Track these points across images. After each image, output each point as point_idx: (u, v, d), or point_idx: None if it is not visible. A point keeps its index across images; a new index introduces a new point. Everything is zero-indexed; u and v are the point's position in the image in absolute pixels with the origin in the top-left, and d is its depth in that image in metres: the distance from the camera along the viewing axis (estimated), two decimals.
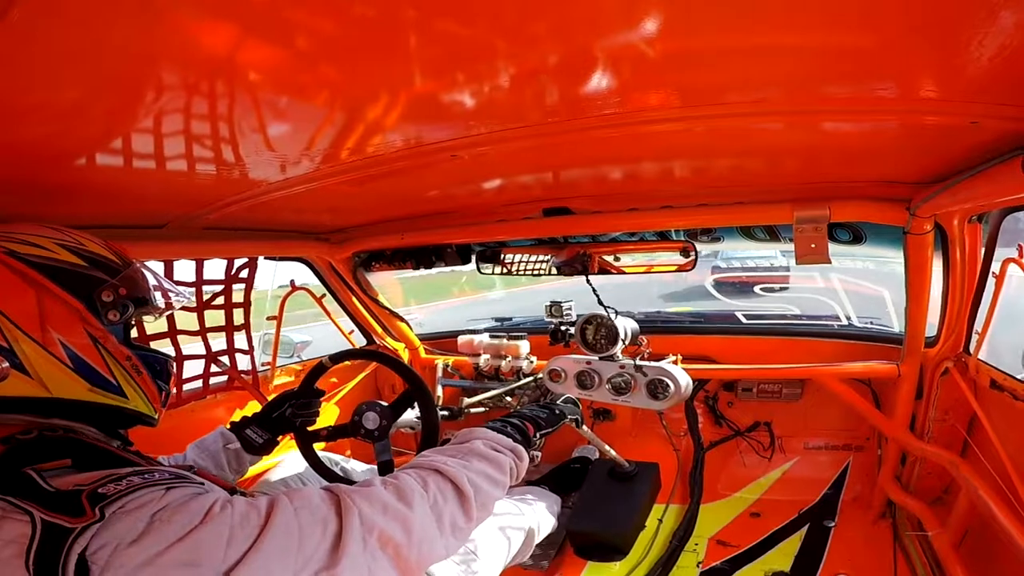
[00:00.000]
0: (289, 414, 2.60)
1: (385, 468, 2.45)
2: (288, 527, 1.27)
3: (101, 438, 1.55)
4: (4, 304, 1.41)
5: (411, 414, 2.57)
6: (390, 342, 4.64)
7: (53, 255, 1.53)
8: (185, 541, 1.13)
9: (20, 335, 1.41)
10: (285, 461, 2.93)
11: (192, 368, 3.29)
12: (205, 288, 3.26)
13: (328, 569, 1.27)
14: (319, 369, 2.65)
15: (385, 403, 2.52)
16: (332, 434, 2.64)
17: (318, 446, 2.72)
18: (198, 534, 1.15)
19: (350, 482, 2.48)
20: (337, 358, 2.61)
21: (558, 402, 2.43)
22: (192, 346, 3.24)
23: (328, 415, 3.90)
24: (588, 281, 3.45)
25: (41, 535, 1.08)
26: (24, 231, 1.55)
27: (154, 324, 2.43)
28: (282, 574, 1.22)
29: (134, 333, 1.89)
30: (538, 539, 2.97)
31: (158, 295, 1.83)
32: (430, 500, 1.53)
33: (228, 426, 2.54)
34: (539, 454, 2.16)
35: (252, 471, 3.08)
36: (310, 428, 2.68)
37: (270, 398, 2.69)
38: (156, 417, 1.75)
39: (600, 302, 3.36)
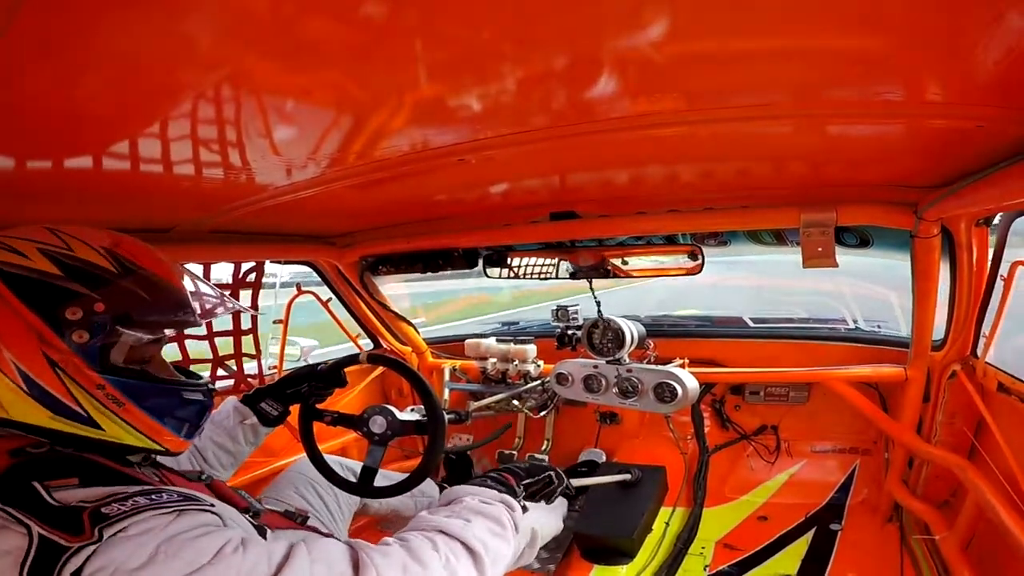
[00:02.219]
0: (305, 391, 2.54)
1: (367, 473, 2.44)
2: None
3: (109, 462, 1.48)
4: None
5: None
6: (397, 346, 4.64)
7: (25, 263, 1.42)
8: None
9: None
10: (296, 463, 2.90)
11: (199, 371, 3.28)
12: None
13: None
14: (351, 360, 2.58)
15: (399, 413, 2.50)
16: (337, 420, 2.58)
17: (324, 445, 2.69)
18: (203, 574, 1.16)
19: (349, 482, 2.47)
20: (374, 359, 2.57)
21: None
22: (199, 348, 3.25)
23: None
24: (591, 286, 3.45)
25: (37, 549, 1.09)
26: (14, 234, 1.47)
27: None
28: None
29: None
30: (542, 542, 2.97)
31: (167, 310, 1.67)
32: (442, 560, 1.49)
33: (240, 398, 2.50)
34: (540, 505, 2.15)
35: (268, 469, 3.11)
36: (318, 406, 2.63)
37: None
38: (163, 449, 1.63)
39: (599, 310, 3.37)
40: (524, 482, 2.08)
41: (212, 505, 1.37)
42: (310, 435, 2.60)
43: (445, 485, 3.86)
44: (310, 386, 2.56)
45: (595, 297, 3.42)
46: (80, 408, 1.44)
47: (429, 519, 1.65)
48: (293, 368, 2.77)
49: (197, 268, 3.17)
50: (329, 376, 2.56)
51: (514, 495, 1.93)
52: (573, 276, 3.60)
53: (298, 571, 1.27)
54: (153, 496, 1.26)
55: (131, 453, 1.60)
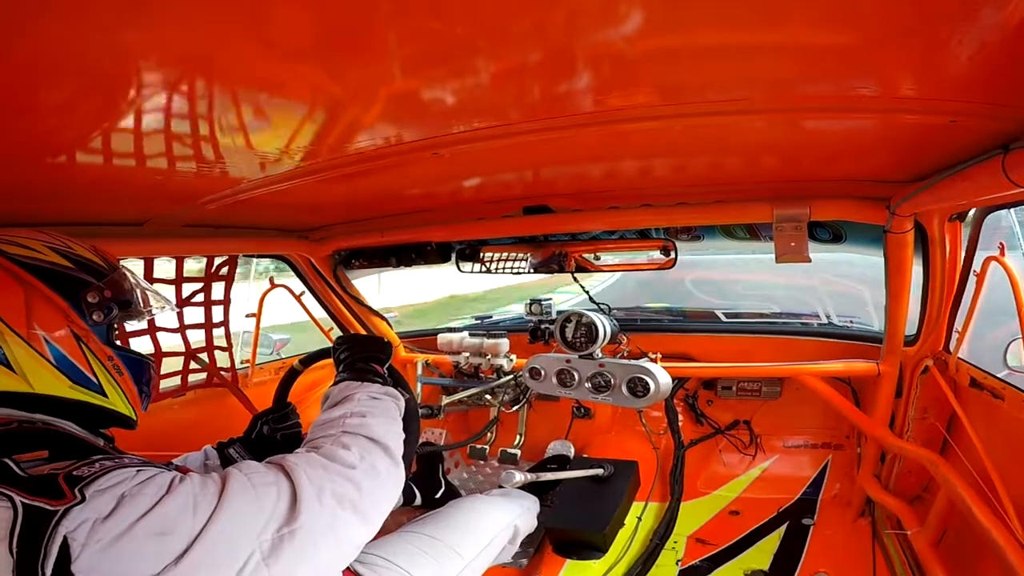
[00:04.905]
0: (266, 432, 2.54)
1: None
2: (244, 489, 1.35)
3: (82, 434, 1.57)
4: None
5: None
6: None
7: (42, 256, 1.59)
8: (154, 512, 1.19)
9: (7, 331, 1.47)
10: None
11: (171, 364, 3.27)
12: (185, 285, 3.24)
13: (288, 525, 1.36)
14: (292, 375, 2.58)
15: None
16: None
17: None
18: (165, 505, 1.21)
19: None
20: (309, 360, 2.54)
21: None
22: (171, 341, 3.22)
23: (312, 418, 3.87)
24: (575, 279, 3.45)
25: (24, 518, 1.10)
26: (14, 234, 1.60)
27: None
28: (246, 534, 1.29)
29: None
30: (521, 538, 2.97)
31: (141, 299, 1.88)
32: (357, 456, 1.61)
33: (215, 445, 2.49)
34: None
35: None
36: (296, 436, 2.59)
37: (247, 393, 2.66)
38: (135, 419, 1.78)
39: (591, 299, 3.37)
40: (386, 364, 2.15)
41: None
42: None
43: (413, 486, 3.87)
44: (265, 422, 2.57)
45: (586, 291, 3.42)
46: (94, 376, 1.63)
47: (329, 421, 1.78)
48: (266, 360, 2.77)
49: (170, 261, 3.15)
50: (277, 407, 2.59)
51: (393, 383, 2.05)
52: (540, 271, 3.60)
53: (240, 482, 1.36)
54: (116, 459, 1.33)
55: (105, 426, 1.73)
